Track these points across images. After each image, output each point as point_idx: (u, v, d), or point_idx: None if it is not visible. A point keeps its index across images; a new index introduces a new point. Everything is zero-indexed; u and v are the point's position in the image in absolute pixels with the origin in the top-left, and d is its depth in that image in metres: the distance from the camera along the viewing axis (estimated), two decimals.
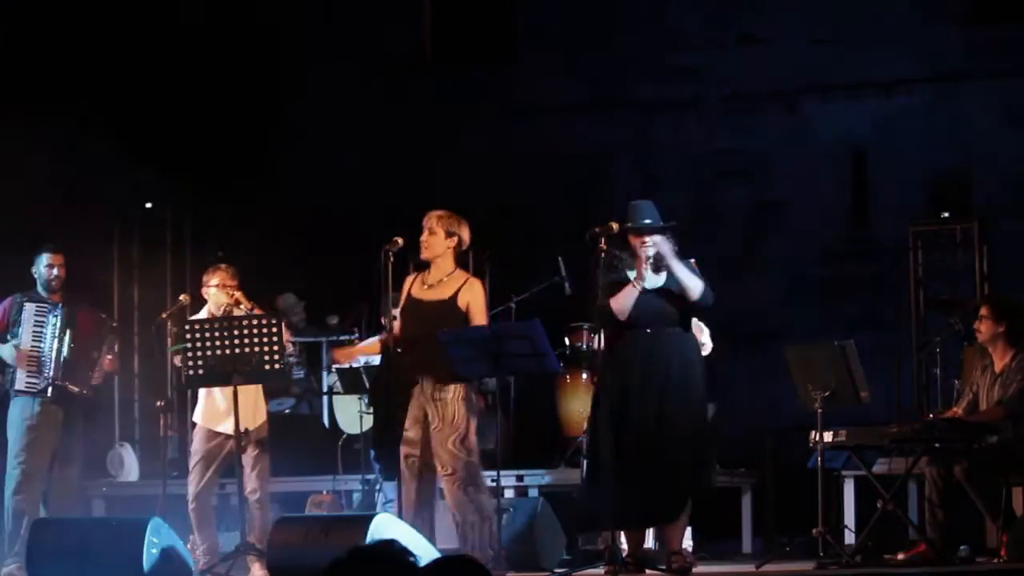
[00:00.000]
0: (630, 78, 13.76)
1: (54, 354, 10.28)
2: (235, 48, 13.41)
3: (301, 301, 13.34)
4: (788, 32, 13.47)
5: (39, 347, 10.29)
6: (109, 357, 10.50)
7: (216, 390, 9.68)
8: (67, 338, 10.30)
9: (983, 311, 9.65)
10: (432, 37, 14.19)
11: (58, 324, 10.31)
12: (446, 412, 8.86)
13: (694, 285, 8.75)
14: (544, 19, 13.93)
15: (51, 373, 10.27)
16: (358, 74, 13.67)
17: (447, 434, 8.84)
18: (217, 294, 9.80)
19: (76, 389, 10.30)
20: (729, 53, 13.62)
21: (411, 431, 8.94)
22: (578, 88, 13.83)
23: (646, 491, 8.58)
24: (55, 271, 10.42)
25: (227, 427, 9.62)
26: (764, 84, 13.57)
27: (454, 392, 8.88)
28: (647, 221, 8.75)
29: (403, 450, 8.96)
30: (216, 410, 9.74)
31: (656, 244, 8.74)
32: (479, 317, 8.99)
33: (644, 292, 8.76)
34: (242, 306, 9.71)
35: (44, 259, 10.45)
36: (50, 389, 10.25)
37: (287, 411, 12.84)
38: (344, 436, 12.14)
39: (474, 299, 9.00)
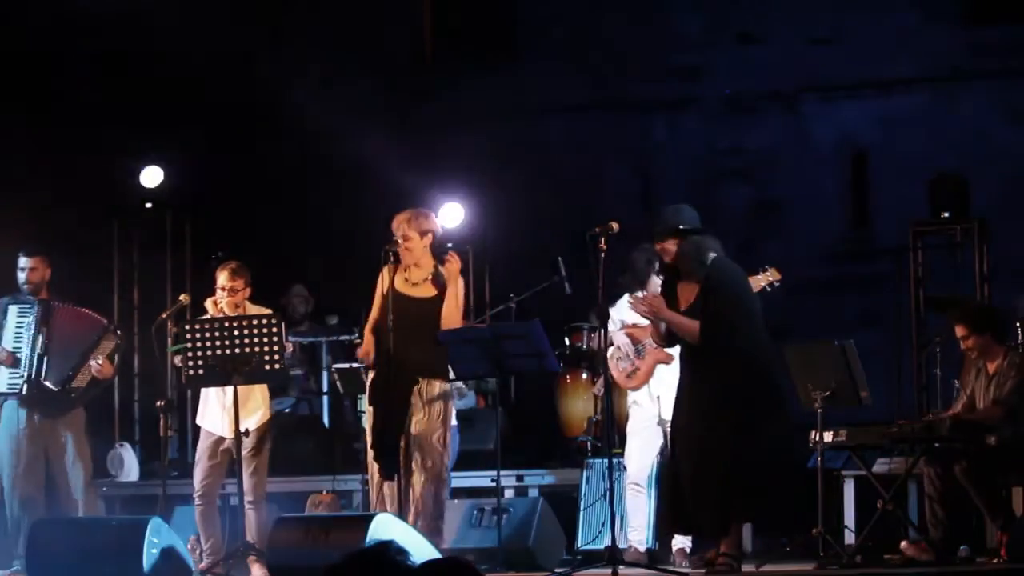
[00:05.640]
0: (630, 78, 13.75)
1: (30, 352, 10.23)
2: (235, 48, 13.41)
3: (311, 296, 13.39)
4: (788, 32, 13.47)
5: (19, 347, 10.26)
6: (100, 362, 10.25)
7: (210, 390, 9.67)
8: (42, 336, 10.23)
9: (961, 331, 9.60)
10: (432, 37, 14.18)
11: (34, 323, 10.25)
12: (432, 408, 9.03)
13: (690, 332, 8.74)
14: (545, 19, 13.93)
15: (26, 371, 10.22)
16: (358, 73, 13.67)
17: (433, 429, 9.02)
18: (221, 297, 9.74)
19: (51, 386, 10.21)
20: (729, 53, 13.62)
21: None
22: (578, 88, 13.83)
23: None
24: (26, 274, 10.35)
25: (219, 428, 9.62)
26: (764, 84, 13.57)
27: (440, 389, 9.07)
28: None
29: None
30: (210, 410, 9.74)
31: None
32: (452, 304, 9.08)
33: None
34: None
35: (19, 262, 10.41)
36: (25, 387, 10.20)
37: (287, 411, 12.84)
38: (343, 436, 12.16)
39: (452, 284, 9.12)
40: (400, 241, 9.13)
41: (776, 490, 8.54)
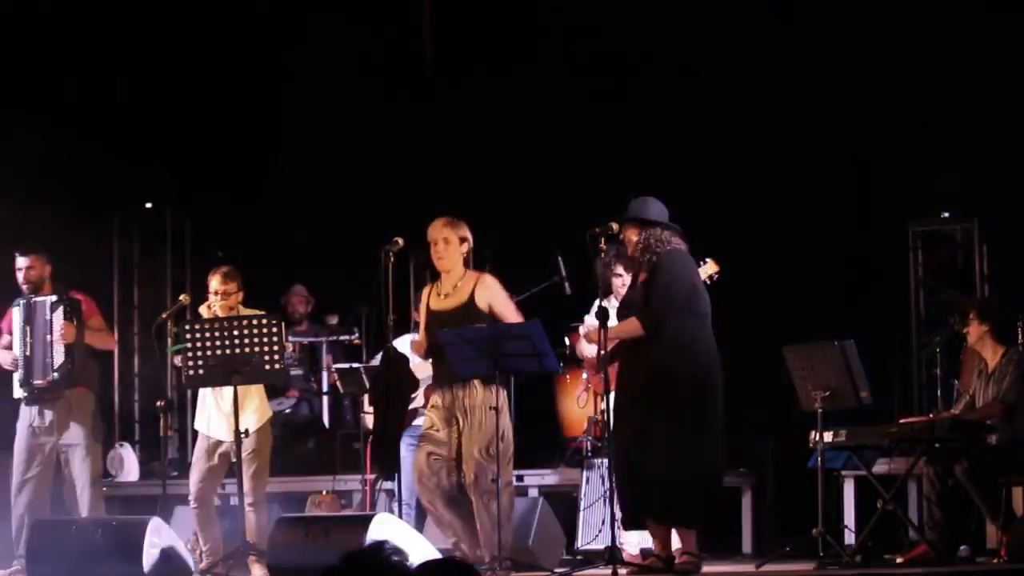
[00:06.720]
0: (630, 78, 13.74)
1: (22, 354, 10.21)
2: (235, 47, 13.41)
3: (311, 296, 13.40)
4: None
5: (18, 350, 10.24)
6: (60, 331, 10.13)
7: (206, 394, 9.65)
8: (28, 336, 10.19)
9: (971, 315, 9.73)
10: (432, 37, 14.17)
11: (21, 323, 10.22)
12: (474, 420, 8.86)
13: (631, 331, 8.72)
14: (544, 18, 13.92)
15: (23, 376, 10.19)
16: (358, 74, 13.66)
17: (475, 441, 8.84)
18: (214, 301, 9.70)
19: (40, 382, 10.17)
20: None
21: (441, 432, 8.94)
22: (578, 88, 13.82)
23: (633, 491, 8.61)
24: (23, 273, 10.28)
25: (216, 431, 9.60)
26: None
27: (483, 399, 8.85)
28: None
29: (426, 448, 8.94)
30: (205, 413, 9.71)
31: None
32: (507, 311, 9.00)
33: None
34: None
35: (16, 262, 10.35)
36: (25, 392, 10.18)
37: (287, 411, 12.85)
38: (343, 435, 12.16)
39: (493, 296, 9.01)
40: (439, 245, 9.01)
41: (687, 483, 8.45)
